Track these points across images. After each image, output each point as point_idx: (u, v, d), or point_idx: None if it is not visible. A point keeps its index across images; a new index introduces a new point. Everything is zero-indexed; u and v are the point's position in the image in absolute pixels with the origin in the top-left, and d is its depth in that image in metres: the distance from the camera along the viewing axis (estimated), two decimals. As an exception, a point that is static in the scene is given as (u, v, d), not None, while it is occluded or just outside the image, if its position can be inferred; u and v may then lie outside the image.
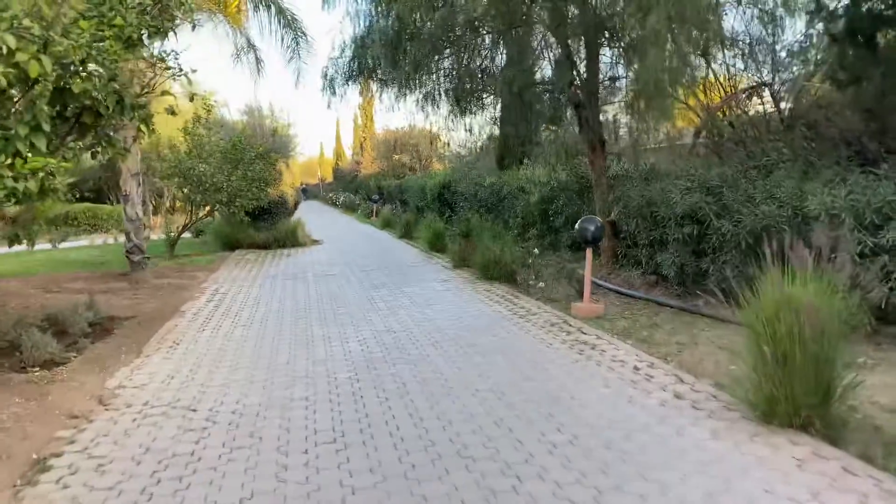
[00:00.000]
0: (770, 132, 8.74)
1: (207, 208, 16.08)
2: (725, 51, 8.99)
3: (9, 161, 3.95)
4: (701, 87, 9.10)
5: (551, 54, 9.24)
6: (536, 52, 9.50)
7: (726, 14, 8.83)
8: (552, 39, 9.32)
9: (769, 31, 8.58)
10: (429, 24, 7.67)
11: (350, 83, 9.74)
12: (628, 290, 8.41)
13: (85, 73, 4.05)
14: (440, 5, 7.46)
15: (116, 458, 3.75)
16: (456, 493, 3.25)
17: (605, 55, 9.75)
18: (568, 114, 9.41)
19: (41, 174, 4.16)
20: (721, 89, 9.36)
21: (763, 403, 3.93)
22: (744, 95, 9.13)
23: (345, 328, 7.11)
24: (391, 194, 30.37)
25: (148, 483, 3.42)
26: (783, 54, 8.94)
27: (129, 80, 4.74)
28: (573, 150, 10.56)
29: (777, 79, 8.71)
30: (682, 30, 6.77)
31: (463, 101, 9.70)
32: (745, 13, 8.90)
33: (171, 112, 5.46)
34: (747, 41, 8.93)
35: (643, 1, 6.16)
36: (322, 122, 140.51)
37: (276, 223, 17.24)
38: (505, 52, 9.74)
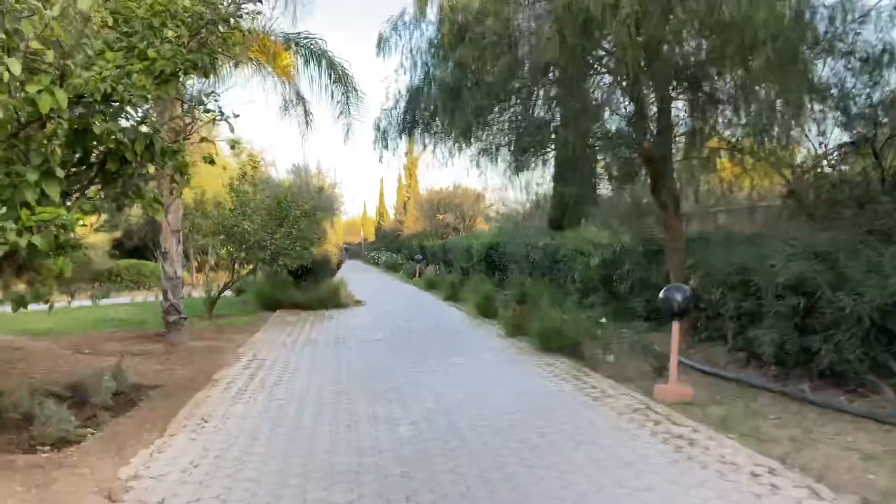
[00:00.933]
0: (869, 193, 7.72)
1: (250, 266, 15.73)
2: (814, 103, 8.11)
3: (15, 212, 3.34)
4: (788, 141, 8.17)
5: (620, 106, 8.52)
6: (600, 104, 8.78)
7: (815, 64, 8.00)
8: (617, 91, 8.65)
9: (868, 80, 7.69)
10: (491, 72, 7.08)
11: (402, 136, 9.18)
12: (716, 370, 7.33)
13: (109, 112, 3.48)
14: (505, 51, 6.88)
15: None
16: None
17: (677, 107, 9.01)
18: (641, 171, 8.60)
19: (54, 228, 3.54)
20: (812, 145, 8.44)
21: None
22: (840, 151, 8.19)
23: (391, 407, 6.24)
24: (435, 254, 29.83)
25: None
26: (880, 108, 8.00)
27: (160, 121, 4.17)
28: (643, 210, 9.68)
29: (879, 133, 7.74)
30: (780, 77, 5.96)
31: (522, 156, 8.99)
32: (835, 63, 8.05)
33: (210, 161, 4.86)
34: (840, 92, 8.03)
35: (744, 45, 5.40)
36: (365, 181, 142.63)
37: (318, 282, 16.90)
38: (564, 104, 9.05)
